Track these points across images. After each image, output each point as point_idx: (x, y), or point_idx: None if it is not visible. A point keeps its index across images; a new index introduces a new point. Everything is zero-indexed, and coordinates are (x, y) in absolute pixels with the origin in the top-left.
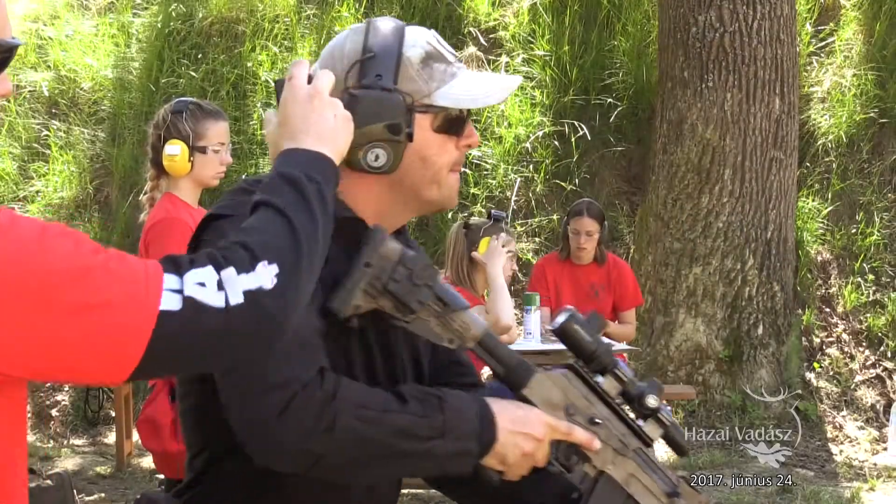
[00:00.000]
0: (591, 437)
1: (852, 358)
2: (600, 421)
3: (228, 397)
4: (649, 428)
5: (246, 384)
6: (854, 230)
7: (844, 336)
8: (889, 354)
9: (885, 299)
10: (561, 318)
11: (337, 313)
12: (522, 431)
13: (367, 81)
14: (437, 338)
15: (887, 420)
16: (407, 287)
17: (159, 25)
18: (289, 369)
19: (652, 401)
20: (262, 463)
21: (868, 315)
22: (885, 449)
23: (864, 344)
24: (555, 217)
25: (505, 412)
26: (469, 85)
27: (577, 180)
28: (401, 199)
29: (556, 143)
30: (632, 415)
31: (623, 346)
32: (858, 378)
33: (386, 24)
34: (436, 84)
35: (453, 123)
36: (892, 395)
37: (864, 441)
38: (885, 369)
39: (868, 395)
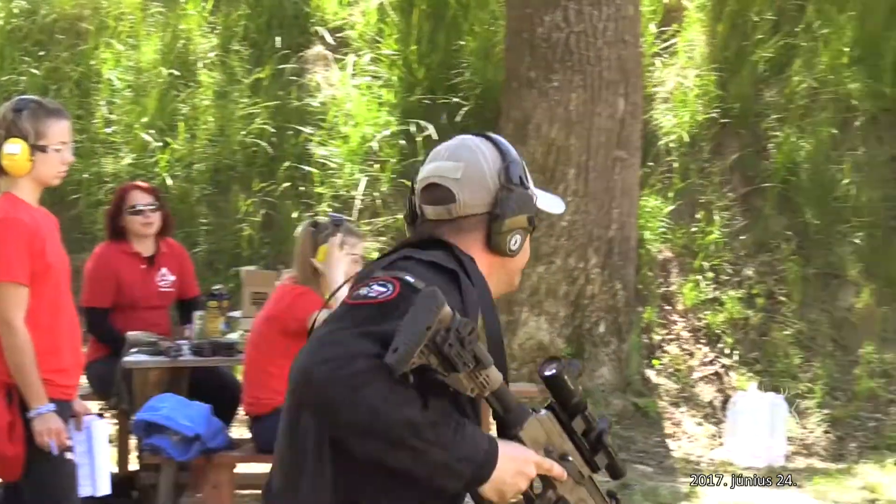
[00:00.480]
0: (562, 471)
1: (691, 355)
2: (570, 458)
3: (309, 345)
4: (599, 458)
5: (326, 336)
6: (694, 229)
7: (684, 333)
8: (727, 351)
9: (724, 297)
10: (553, 370)
11: (394, 371)
12: (522, 471)
13: (516, 181)
14: (463, 388)
15: (724, 416)
16: (458, 351)
17: (0, 22)
18: (362, 344)
19: (608, 439)
20: (300, 397)
21: (707, 313)
22: (722, 444)
23: (702, 341)
24: (400, 216)
25: (507, 454)
26: (541, 194)
27: None
28: (497, 280)
29: (403, 142)
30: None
31: None
32: (697, 375)
33: (498, 137)
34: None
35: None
36: (729, 391)
37: (701, 437)
38: (723, 366)
39: (706, 392)
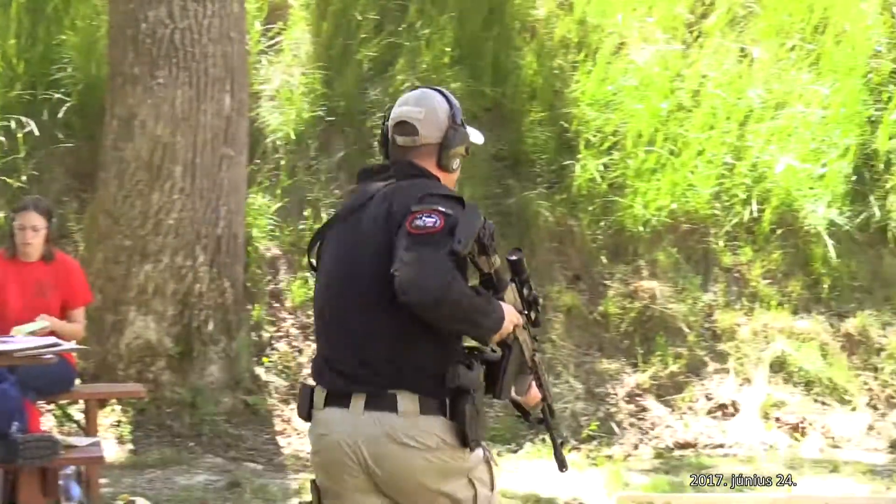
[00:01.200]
0: (522, 320)
1: (301, 352)
2: (526, 312)
3: (409, 266)
4: (532, 312)
5: (425, 258)
6: (302, 226)
7: (293, 330)
8: None
9: None
10: (517, 256)
11: (460, 253)
12: (511, 320)
13: (459, 122)
14: (484, 266)
15: None
16: (489, 242)
17: None
18: (447, 263)
19: (539, 300)
20: (409, 297)
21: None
22: None
23: (311, 338)
24: (1, 215)
25: (505, 310)
26: (471, 131)
27: (24, 177)
28: None
29: (3, 138)
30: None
31: (72, 345)
32: (306, 372)
33: (446, 91)
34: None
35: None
36: None
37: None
38: None
39: None
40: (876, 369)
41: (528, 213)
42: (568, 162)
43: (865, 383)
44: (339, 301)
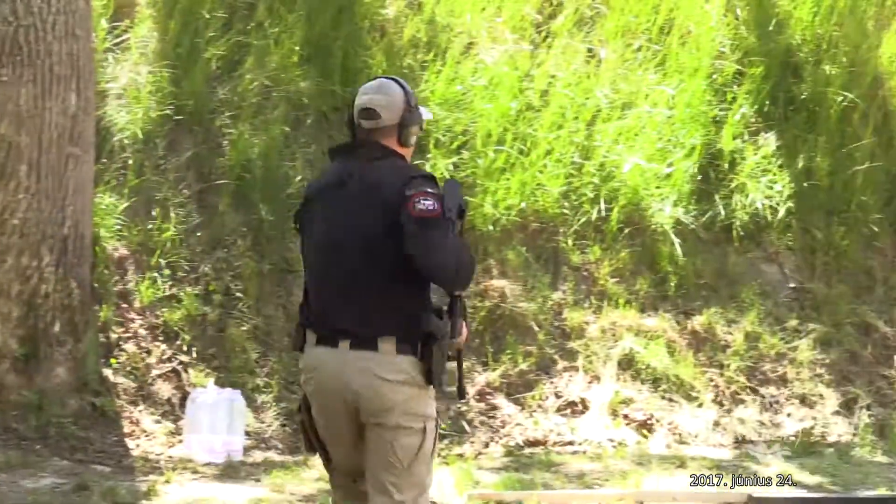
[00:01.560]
0: None
1: (149, 353)
2: None
3: (428, 249)
4: None
5: (439, 241)
6: (150, 226)
7: (141, 331)
8: (185, 348)
9: (182, 294)
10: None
11: (453, 217)
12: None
13: (413, 105)
14: (460, 227)
15: (183, 413)
16: (466, 208)
17: None
18: (457, 241)
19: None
20: (433, 274)
21: (164, 310)
22: (181, 441)
23: (160, 338)
24: None
25: None
26: (422, 110)
27: None
28: None
29: None
30: None
31: None
32: (155, 372)
33: (400, 79)
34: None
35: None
36: (187, 388)
37: (160, 434)
38: (181, 363)
39: (164, 389)
40: (722, 366)
41: None
42: (418, 161)
43: (711, 380)
44: (329, 263)
